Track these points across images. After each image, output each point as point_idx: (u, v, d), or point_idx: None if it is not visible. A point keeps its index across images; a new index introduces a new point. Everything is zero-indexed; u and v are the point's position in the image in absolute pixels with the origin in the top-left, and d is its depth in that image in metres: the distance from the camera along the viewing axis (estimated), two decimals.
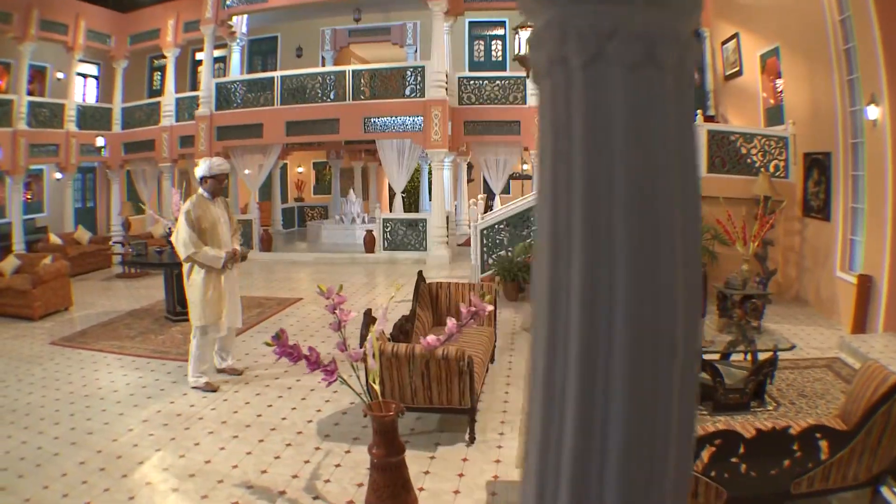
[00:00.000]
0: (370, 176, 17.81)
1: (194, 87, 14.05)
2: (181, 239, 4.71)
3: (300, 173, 18.37)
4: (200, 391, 4.71)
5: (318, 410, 4.28)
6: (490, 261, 7.89)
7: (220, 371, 5.12)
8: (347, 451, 3.64)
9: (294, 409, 4.32)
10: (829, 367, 5.28)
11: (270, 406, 4.38)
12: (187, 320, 6.82)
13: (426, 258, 10.64)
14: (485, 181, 16.41)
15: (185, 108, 12.32)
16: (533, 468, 0.72)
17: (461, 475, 3.35)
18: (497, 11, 12.90)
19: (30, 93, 11.54)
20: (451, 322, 2.70)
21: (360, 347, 3.65)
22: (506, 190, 15.70)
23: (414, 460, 3.46)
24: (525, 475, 0.74)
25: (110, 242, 11.50)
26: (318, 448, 3.69)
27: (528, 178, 14.22)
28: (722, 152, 7.87)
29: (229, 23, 11.80)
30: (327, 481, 3.29)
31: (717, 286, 6.62)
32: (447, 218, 10.99)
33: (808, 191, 7.53)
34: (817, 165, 7.35)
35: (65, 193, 12.25)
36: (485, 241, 7.85)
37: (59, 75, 12.85)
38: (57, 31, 11.38)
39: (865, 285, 6.11)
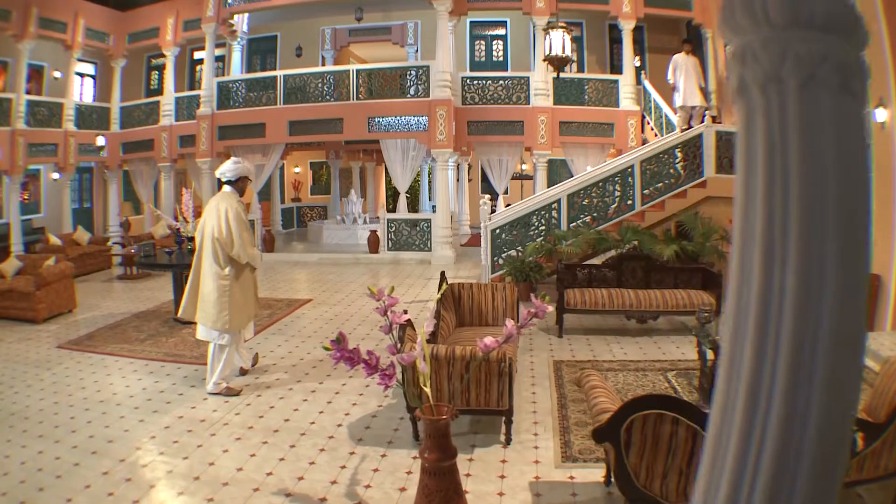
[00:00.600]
0: (367, 176, 17.78)
1: (192, 86, 13.92)
2: (244, 241, 4.66)
3: (297, 173, 18.26)
4: (222, 396, 4.66)
5: (347, 414, 4.24)
6: (500, 261, 7.89)
7: (246, 372, 5.09)
8: (384, 455, 3.62)
9: (321, 412, 4.28)
10: None
11: (297, 410, 4.34)
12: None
13: (431, 258, 10.62)
14: (483, 181, 16.47)
15: (185, 108, 12.19)
16: (732, 455, 0.79)
17: (502, 477, 3.34)
18: (498, 11, 12.91)
19: (27, 92, 11.34)
20: (510, 323, 2.69)
21: (400, 350, 3.64)
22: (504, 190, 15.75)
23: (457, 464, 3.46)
24: (714, 462, 0.80)
25: (109, 243, 11.34)
26: (352, 452, 3.66)
27: (529, 178, 14.23)
28: (730, 153, 7.95)
29: (230, 21, 11.69)
30: (368, 486, 3.26)
31: None
32: (451, 218, 10.99)
33: None
34: None
35: (63, 194, 12.07)
36: (496, 242, 7.85)
37: (57, 74, 12.65)
38: (56, 29, 11.20)
39: (873, 284, 6.20)
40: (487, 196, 8.35)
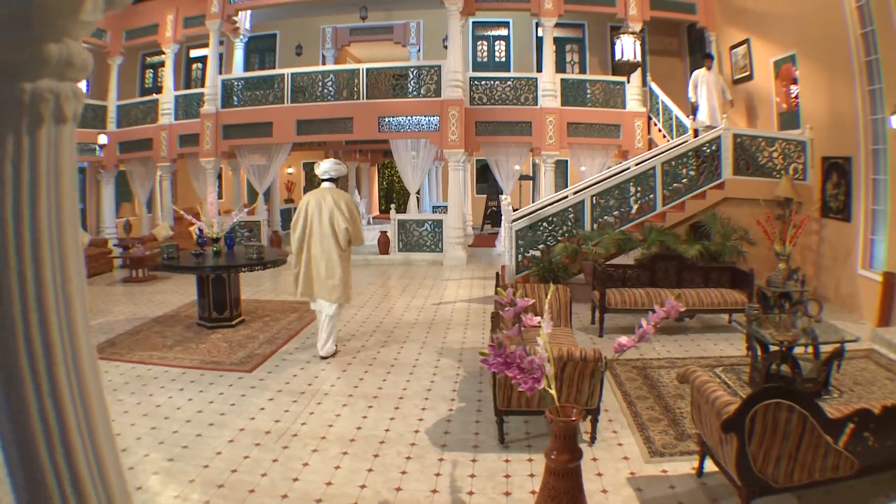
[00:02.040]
0: (362, 177, 17.64)
1: (188, 85, 13.53)
2: (362, 227, 5.66)
3: (290, 174, 17.97)
4: (270, 401, 4.56)
5: (420, 419, 4.18)
6: (520, 260, 7.90)
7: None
8: (474, 460, 3.58)
9: (392, 419, 4.20)
10: (868, 358, 5.61)
11: (365, 417, 4.24)
12: (226, 326, 6.64)
13: (443, 259, 10.59)
14: (478, 182, 16.51)
15: (183, 107, 11.84)
16: None
17: (599, 474, 3.36)
18: (500, 12, 12.94)
19: None
20: (645, 323, 2.72)
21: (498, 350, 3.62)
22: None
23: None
24: None
25: (110, 245, 10.94)
26: (441, 459, 3.61)
27: (527, 178, 14.31)
28: (746, 155, 8.17)
29: (234, 18, 11.42)
30: (471, 493, 3.23)
31: (758, 284, 6.86)
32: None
33: (827, 193, 7.89)
34: (836, 169, 7.71)
35: None
36: (518, 242, 7.86)
37: None
38: None
39: (890, 282, 6.47)
40: (508, 198, 8.37)
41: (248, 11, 11.73)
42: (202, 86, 12.87)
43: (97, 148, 12.07)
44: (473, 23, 13.45)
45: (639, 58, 5.87)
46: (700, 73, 9.54)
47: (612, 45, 13.20)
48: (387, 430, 4.02)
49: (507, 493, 3.21)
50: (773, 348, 4.83)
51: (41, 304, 1.18)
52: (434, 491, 3.27)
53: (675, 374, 5.09)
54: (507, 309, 2.80)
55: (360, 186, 17.47)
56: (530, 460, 3.58)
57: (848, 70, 7.04)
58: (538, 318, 2.75)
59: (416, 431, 4.00)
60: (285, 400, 4.60)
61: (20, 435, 1.15)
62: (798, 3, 8.28)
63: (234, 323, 6.81)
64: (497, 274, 5.37)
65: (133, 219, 11.97)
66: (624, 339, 2.73)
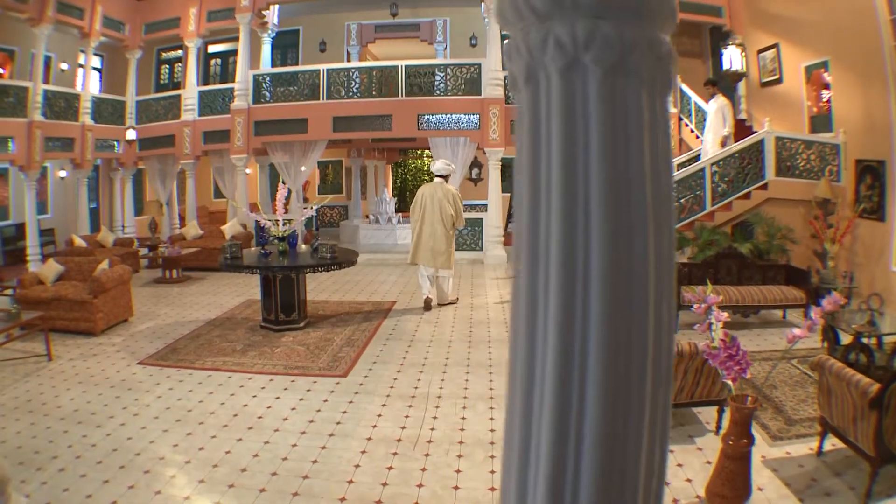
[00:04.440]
0: (378, 174, 17.51)
1: (206, 80, 13.19)
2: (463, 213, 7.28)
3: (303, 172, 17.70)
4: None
5: None
6: None
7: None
8: None
9: (494, 419, 4.18)
10: None
11: (492, 419, 4.16)
12: (294, 329, 6.53)
13: (483, 258, 10.63)
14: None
15: (207, 102, 11.55)
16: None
17: None
18: None
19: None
20: (814, 314, 2.88)
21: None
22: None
23: (689, 453, 3.61)
24: None
25: (135, 245, 10.63)
26: None
27: None
28: (787, 157, 8.46)
29: (264, 12, 11.19)
30: None
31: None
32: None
33: (861, 194, 8.24)
34: (870, 171, 8.05)
35: (79, 192, 11.13)
36: None
37: (63, 66, 11.66)
38: (73, 15, 10.30)
39: None
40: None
41: (277, 6, 11.50)
42: (220, 82, 12.60)
43: (116, 144, 11.70)
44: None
45: (744, 67, 6.00)
46: (710, 105, 8.83)
47: None
48: (492, 431, 3.98)
49: (666, 483, 3.31)
50: (844, 339, 5.14)
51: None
52: None
53: (760, 366, 5.30)
54: (697, 305, 2.94)
55: (377, 185, 17.27)
56: (671, 451, 3.70)
57: (882, 78, 7.35)
58: (726, 314, 2.90)
59: None
60: (400, 405, 4.49)
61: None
62: (831, 11, 8.57)
63: (301, 325, 6.71)
64: None
65: (143, 218, 11.67)
66: (797, 331, 2.93)
